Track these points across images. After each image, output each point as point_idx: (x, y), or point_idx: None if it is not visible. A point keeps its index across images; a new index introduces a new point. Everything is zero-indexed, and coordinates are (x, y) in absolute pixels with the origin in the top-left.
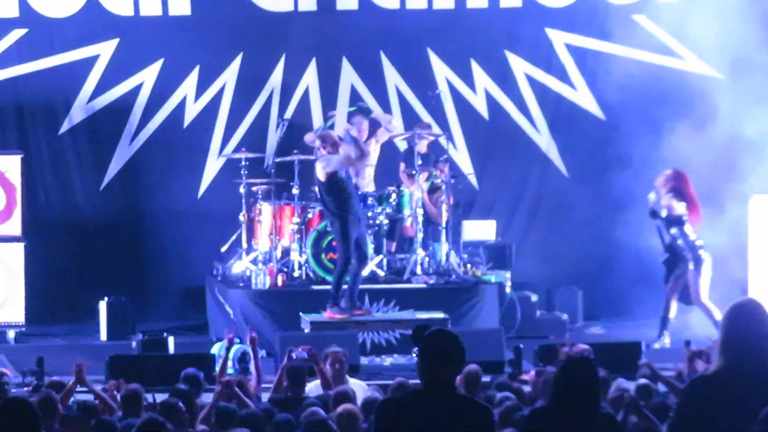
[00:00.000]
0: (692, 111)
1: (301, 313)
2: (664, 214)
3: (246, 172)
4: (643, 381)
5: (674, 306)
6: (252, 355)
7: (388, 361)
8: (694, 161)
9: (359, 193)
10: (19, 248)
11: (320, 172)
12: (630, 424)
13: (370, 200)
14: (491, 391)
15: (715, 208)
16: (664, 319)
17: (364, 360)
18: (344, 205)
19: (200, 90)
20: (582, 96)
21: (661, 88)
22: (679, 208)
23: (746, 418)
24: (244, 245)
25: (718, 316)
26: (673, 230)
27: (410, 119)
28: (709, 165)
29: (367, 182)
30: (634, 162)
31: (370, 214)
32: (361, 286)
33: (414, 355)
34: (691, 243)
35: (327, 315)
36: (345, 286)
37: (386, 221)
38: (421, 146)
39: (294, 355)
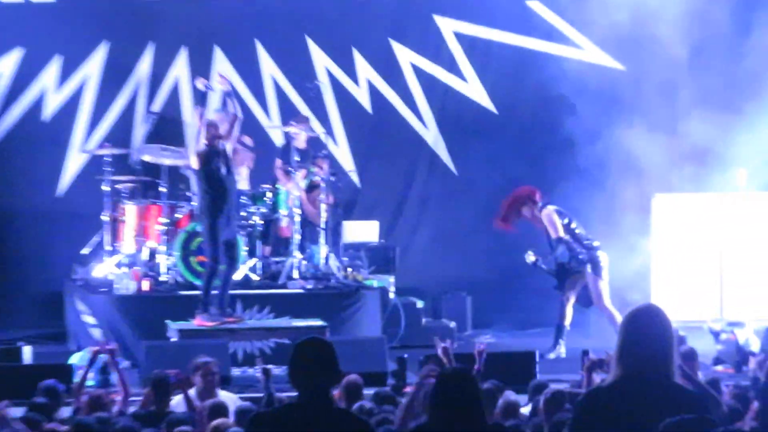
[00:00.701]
0: (592, 104)
1: (168, 321)
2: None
3: (110, 168)
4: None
5: (569, 313)
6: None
7: None
8: (593, 156)
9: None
10: None
11: (192, 162)
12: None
13: (243, 199)
14: (370, 403)
15: (616, 208)
16: (560, 327)
17: (236, 371)
18: (212, 202)
19: (62, 81)
20: (472, 88)
21: (559, 79)
22: (557, 223)
23: (645, 430)
24: (108, 247)
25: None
26: (560, 249)
27: (287, 112)
28: (610, 160)
29: (240, 180)
30: (529, 159)
31: (243, 214)
32: (234, 292)
33: None
34: (586, 245)
35: (196, 322)
36: (215, 292)
37: (261, 222)
38: (299, 141)
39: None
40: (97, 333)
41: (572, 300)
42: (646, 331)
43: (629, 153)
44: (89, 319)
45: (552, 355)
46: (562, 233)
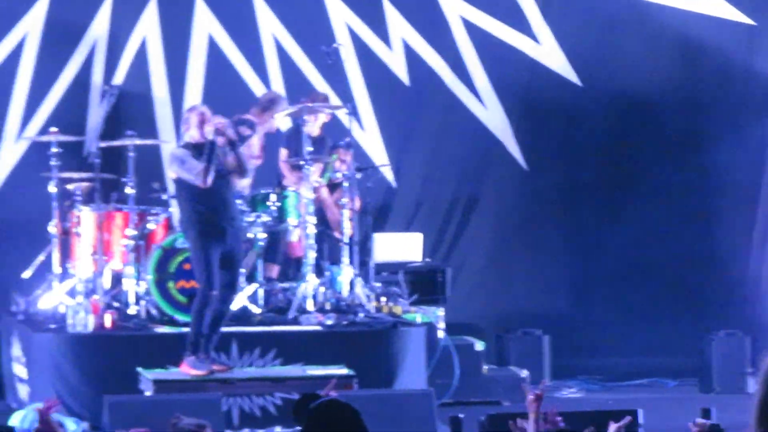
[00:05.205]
0: (718, 74)
1: (140, 369)
2: None
3: (58, 162)
4: None
5: None
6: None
7: None
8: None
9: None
10: None
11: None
12: None
13: (239, 204)
14: None
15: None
16: None
17: None
18: (201, 210)
19: None
20: (548, 52)
21: (667, 39)
22: None
23: None
24: (57, 269)
25: None
26: None
27: (297, 87)
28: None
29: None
30: (625, 149)
31: None
32: (227, 329)
33: None
34: None
35: (182, 369)
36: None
37: (263, 235)
38: (313, 127)
39: None
40: (24, 392)
41: None
42: None
43: None
44: (20, 371)
45: None
46: None
